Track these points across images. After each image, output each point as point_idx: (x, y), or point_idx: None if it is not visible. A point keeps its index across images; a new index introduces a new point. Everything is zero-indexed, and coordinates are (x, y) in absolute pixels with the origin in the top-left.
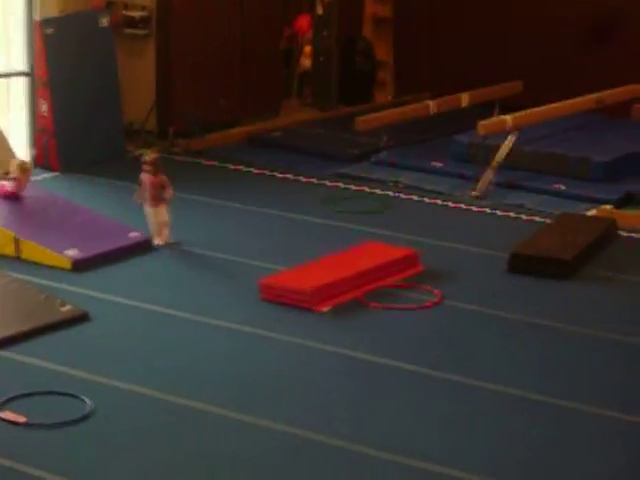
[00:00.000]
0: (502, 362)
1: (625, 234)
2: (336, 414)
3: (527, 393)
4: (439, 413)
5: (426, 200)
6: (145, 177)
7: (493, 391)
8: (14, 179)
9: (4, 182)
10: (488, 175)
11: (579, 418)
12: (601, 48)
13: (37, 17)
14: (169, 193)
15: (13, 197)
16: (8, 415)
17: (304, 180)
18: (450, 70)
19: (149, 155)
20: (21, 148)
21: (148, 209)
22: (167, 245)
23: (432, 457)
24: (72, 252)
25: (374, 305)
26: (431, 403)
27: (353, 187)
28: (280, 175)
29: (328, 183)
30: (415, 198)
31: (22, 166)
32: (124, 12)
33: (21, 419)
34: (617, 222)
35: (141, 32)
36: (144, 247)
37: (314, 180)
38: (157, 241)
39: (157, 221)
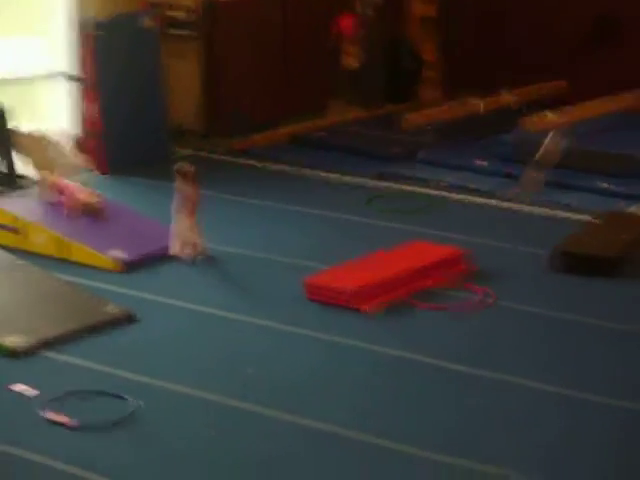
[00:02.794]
0: (548, 360)
1: None
2: (382, 414)
3: (573, 392)
4: (486, 412)
5: (471, 199)
6: (180, 188)
7: (536, 389)
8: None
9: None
10: (533, 174)
11: (626, 416)
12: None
13: (82, 19)
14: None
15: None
16: (53, 416)
17: (349, 179)
18: (496, 69)
19: (182, 166)
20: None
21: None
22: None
23: (481, 457)
24: (118, 253)
25: (419, 305)
26: (476, 402)
27: (398, 186)
28: (325, 174)
29: (373, 182)
30: (460, 197)
31: (94, 206)
32: (169, 13)
33: (66, 420)
34: None
35: (186, 33)
36: None
37: (359, 179)
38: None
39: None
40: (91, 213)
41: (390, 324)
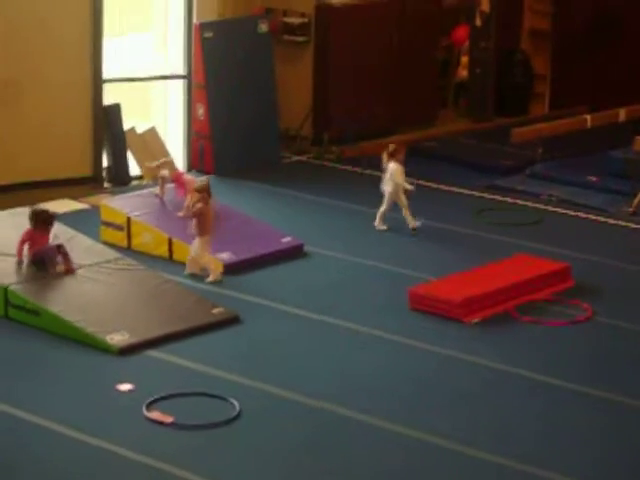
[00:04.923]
0: None
1: None
2: (484, 427)
3: None
4: (587, 430)
5: (580, 215)
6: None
7: (634, 407)
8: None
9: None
10: None
11: None
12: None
13: (196, 20)
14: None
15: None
16: (156, 415)
17: (457, 190)
18: (607, 84)
19: (198, 182)
20: (177, 151)
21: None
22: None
23: (585, 476)
24: (225, 255)
25: (524, 318)
26: (577, 420)
27: (506, 199)
28: (433, 185)
29: (481, 194)
30: (568, 212)
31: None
32: (283, 19)
33: (168, 419)
34: None
35: (300, 39)
36: (296, 252)
37: (467, 191)
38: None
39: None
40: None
41: (492, 336)
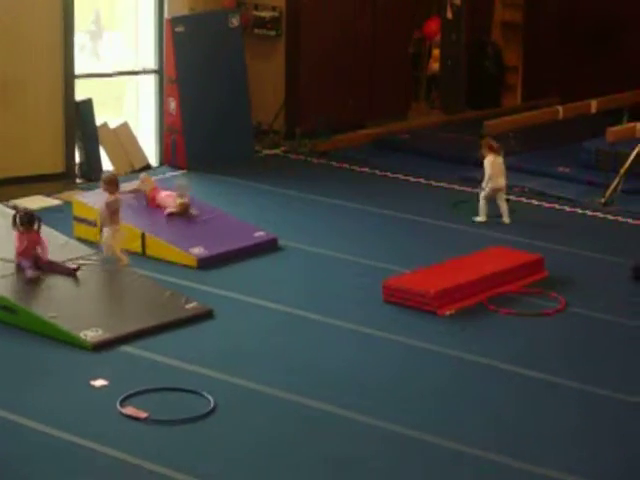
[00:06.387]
0: (625, 370)
1: None
2: (454, 418)
3: None
4: (560, 420)
5: (552, 206)
6: (105, 197)
7: (615, 399)
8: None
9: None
10: (616, 182)
11: None
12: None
13: (167, 15)
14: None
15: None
16: (130, 410)
17: (430, 183)
18: (579, 76)
19: (106, 173)
20: (149, 145)
21: (105, 230)
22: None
23: (557, 466)
24: (198, 250)
25: (497, 310)
26: (551, 410)
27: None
28: (406, 178)
29: (454, 187)
30: (541, 203)
31: (183, 206)
32: (254, 12)
33: (143, 415)
34: None
35: (271, 33)
36: (270, 246)
37: (440, 183)
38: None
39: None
40: (185, 213)
41: (468, 329)
